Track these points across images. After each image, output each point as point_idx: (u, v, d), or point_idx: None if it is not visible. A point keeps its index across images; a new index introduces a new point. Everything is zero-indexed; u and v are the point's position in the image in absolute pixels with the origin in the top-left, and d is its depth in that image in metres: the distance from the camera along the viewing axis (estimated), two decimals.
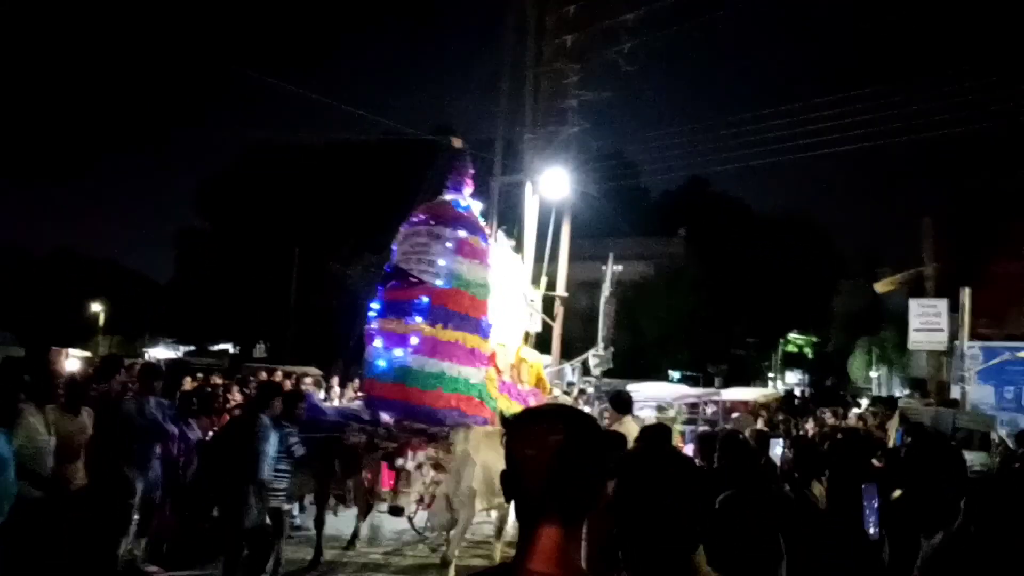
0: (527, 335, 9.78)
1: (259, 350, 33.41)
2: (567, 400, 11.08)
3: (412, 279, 7.49)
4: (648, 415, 13.83)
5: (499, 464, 5.54)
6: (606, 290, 18.43)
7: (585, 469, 1.38)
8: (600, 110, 18.51)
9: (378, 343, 7.59)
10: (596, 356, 17.70)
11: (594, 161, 21.06)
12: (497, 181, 18.06)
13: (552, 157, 17.07)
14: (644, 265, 33.50)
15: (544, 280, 17.65)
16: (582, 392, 16.47)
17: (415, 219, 8.00)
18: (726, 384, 24.65)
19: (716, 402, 17.04)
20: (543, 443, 1.38)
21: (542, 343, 18.38)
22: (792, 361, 41.18)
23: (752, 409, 15.84)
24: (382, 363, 7.49)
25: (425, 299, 7.40)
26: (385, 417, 7.65)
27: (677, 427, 14.12)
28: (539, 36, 16.81)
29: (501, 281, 8.41)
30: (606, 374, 18.33)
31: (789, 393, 26.39)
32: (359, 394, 10.39)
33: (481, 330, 7.61)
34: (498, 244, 8.80)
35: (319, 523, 7.66)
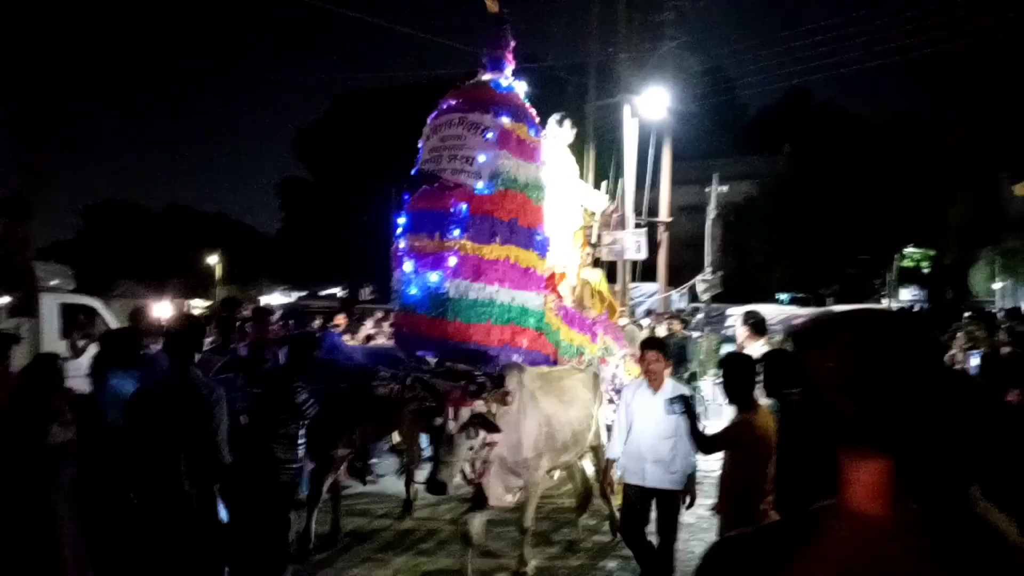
0: (590, 256, 7.68)
1: (365, 292, 34.34)
2: (636, 331, 9.48)
3: (445, 182, 5.84)
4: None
5: (563, 412, 5.33)
6: (711, 212, 17.80)
7: (907, 383, 1.11)
8: (698, 22, 17.57)
9: (408, 266, 6.00)
10: (704, 281, 17.23)
11: (692, 79, 20.15)
12: (592, 105, 17.56)
13: (649, 75, 16.37)
14: (748, 184, 32.24)
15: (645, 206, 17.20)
16: (689, 316, 16.11)
17: (445, 105, 6.25)
18: (838, 304, 23.65)
19: None
20: (847, 352, 1.13)
21: (647, 270, 18.06)
22: (908, 277, 39.08)
23: None
24: (414, 291, 5.93)
25: (463, 206, 5.75)
26: (425, 358, 6.16)
27: None
28: None
29: (557, 183, 6.69)
30: (714, 299, 17.86)
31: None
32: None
33: (536, 244, 5.98)
34: (552, 136, 7.01)
35: (334, 494, 6.29)
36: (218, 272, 39.52)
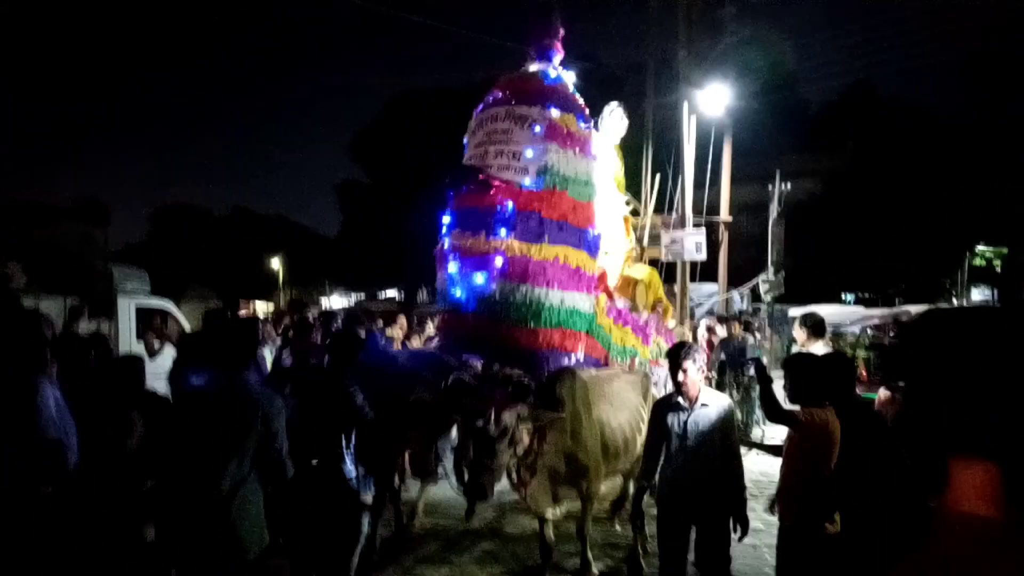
0: (637, 252, 7.09)
1: (423, 294, 34.68)
2: (682, 331, 9.23)
3: (492, 179, 5.56)
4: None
5: (614, 417, 4.82)
6: (774, 211, 17.48)
7: (1010, 387, 1.07)
8: (759, 16, 17.24)
9: (453, 267, 5.77)
10: (767, 281, 16.91)
11: (753, 74, 19.78)
12: (650, 103, 17.39)
13: (709, 72, 16.12)
14: (811, 182, 31.50)
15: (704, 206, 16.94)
16: (752, 317, 15.80)
17: (491, 98, 5.95)
18: (908, 304, 22.89)
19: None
20: (963, 354, 1.11)
21: (707, 270, 17.78)
22: (979, 276, 37.59)
23: None
24: (459, 292, 5.69)
25: (510, 204, 5.48)
26: (471, 362, 5.70)
27: (861, 353, 13.11)
28: None
29: (608, 178, 6.33)
30: (777, 300, 17.50)
31: None
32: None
33: (587, 244, 5.67)
34: (604, 129, 6.58)
35: (386, 500, 5.77)
36: (281, 275, 40.41)
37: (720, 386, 10.15)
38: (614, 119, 6.73)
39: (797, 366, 4.24)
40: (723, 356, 10.33)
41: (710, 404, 4.37)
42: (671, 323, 10.39)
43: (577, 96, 6.06)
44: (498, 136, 5.77)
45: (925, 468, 1.17)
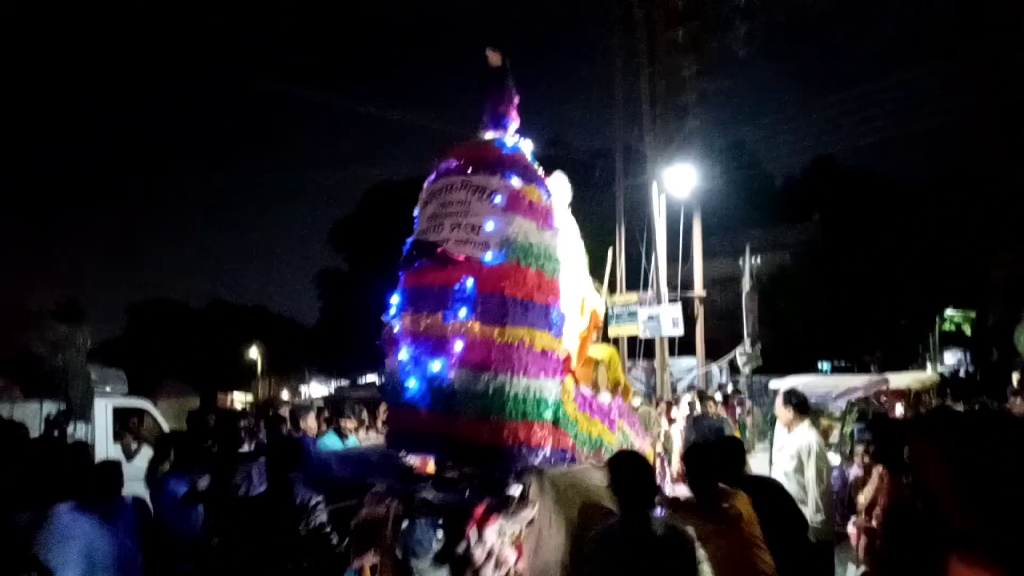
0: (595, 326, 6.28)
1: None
2: (651, 413, 8.93)
3: (450, 254, 5.09)
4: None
5: (592, 519, 3.93)
6: (746, 284, 17.84)
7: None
8: (720, 100, 18.05)
9: (404, 354, 5.16)
10: (744, 354, 17.13)
11: (717, 154, 20.53)
12: (619, 186, 17.94)
13: (675, 154, 16.75)
14: (780, 255, 32.27)
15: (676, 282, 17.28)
16: (734, 392, 15.94)
17: (444, 167, 5.53)
18: (883, 371, 23.17)
19: (884, 392, 15.16)
20: (967, 458, 1.10)
21: (685, 345, 18.01)
22: (950, 340, 38.23)
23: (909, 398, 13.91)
24: (412, 382, 5.08)
25: (471, 282, 4.95)
26: (416, 462, 5.23)
27: (848, 428, 12.50)
28: (650, 33, 16.60)
29: (569, 253, 5.85)
30: (755, 371, 17.68)
31: (951, 377, 24.44)
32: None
33: (552, 324, 5.19)
34: (557, 197, 6.00)
35: None
36: (260, 364, 40.10)
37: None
38: (558, 185, 6.17)
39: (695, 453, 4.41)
40: (694, 436, 9.56)
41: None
42: (636, 401, 10.26)
43: (536, 166, 5.59)
44: (454, 208, 5.24)
45: (917, 562, 1.15)
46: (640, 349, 17.61)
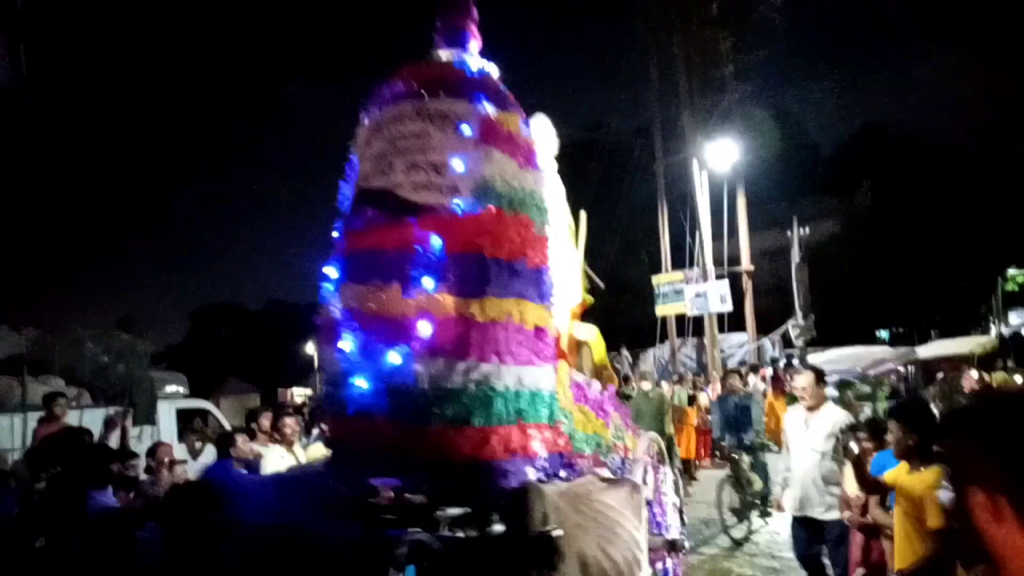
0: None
1: None
2: (662, 395, 9.03)
3: (404, 204, 3.74)
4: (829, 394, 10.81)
5: (604, 554, 3.10)
6: (795, 256, 17.62)
7: None
8: (760, 71, 17.82)
9: (347, 342, 3.72)
10: (796, 327, 16.95)
11: (760, 125, 20.28)
12: (660, 164, 17.88)
13: (715, 129, 16.62)
14: (831, 224, 31.66)
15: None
16: (787, 366, 15.82)
17: (390, 92, 3.99)
18: (943, 336, 22.63)
19: (915, 363, 13.15)
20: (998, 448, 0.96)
21: (734, 321, 17.90)
22: (1014, 300, 37.00)
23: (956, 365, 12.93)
24: (360, 381, 3.64)
25: (436, 239, 3.65)
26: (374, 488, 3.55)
27: (881, 405, 11.61)
28: (684, 9, 16.48)
29: (558, 206, 4.61)
30: (810, 343, 17.48)
31: (1015, 336, 23.67)
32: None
33: (544, 293, 3.94)
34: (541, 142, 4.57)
35: None
36: (316, 359, 41.00)
37: (718, 454, 9.70)
38: (540, 128, 4.69)
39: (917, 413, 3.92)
40: (718, 415, 9.14)
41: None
42: (646, 385, 10.21)
43: (512, 97, 4.16)
44: (408, 143, 3.83)
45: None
46: (688, 327, 17.58)
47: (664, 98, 17.59)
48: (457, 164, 3.71)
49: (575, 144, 22.38)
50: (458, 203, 3.66)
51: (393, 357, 3.53)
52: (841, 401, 9.25)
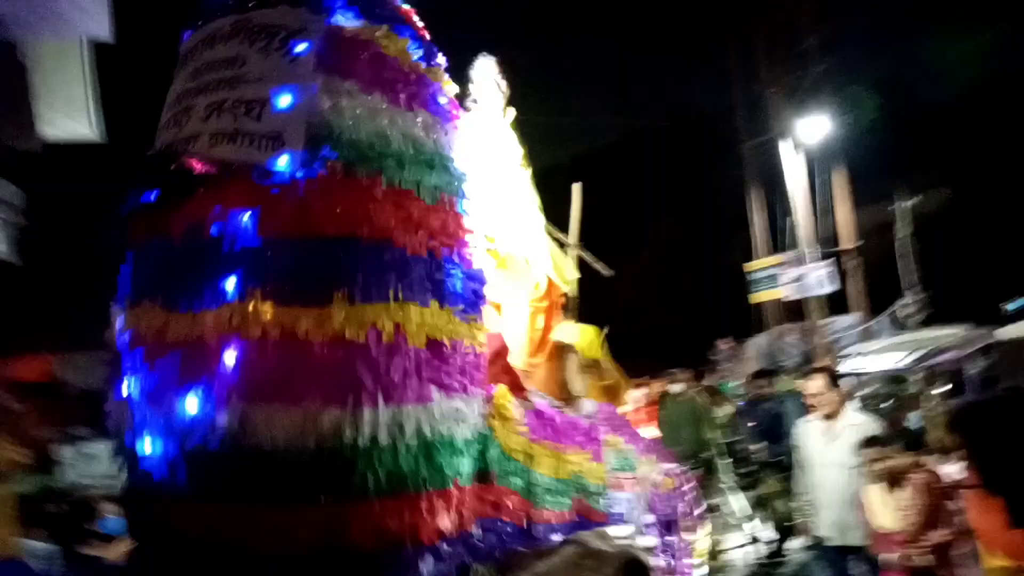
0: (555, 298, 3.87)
1: None
2: (695, 400, 7.82)
3: (203, 164, 2.33)
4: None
5: None
6: (902, 230, 16.65)
7: None
8: (848, 39, 16.96)
9: (131, 384, 2.36)
10: (907, 305, 15.96)
11: (851, 96, 19.29)
12: (746, 145, 17.31)
13: (803, 103, 15.89)
14: (940, 193, 29.77)
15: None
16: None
17: (209, 5, 2.63)
18: None
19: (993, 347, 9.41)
20: None
21: (835, 304, 16.93)
22: None
23: None
24: (148, 445, 2.29)
25: (246, 217, 2.24)
26: None
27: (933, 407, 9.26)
28: None
29: (511, 173, 3.65)
30: (926, 322, 16.37)
31: None
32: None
33: (450, 290, 2.52)
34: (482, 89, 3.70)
35: None
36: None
37: (744, 467, 8.03)
38: (483, 71, 3.73)
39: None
40: (748, 424, 8.16)
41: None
42: (675, 388, 8.23)
43: (407, 9, 2.82)
44: (216, 73, 2.53)
45: None
46: (783, 314, 16.89)
47: (748, 75, 17.02)
48: (283, 100, 2.40)
49: (655, 131, 21.91)
50: (281, 160, 2.33)
51: (190, 404, 2.25)
52: (876, 408, 7.84)
